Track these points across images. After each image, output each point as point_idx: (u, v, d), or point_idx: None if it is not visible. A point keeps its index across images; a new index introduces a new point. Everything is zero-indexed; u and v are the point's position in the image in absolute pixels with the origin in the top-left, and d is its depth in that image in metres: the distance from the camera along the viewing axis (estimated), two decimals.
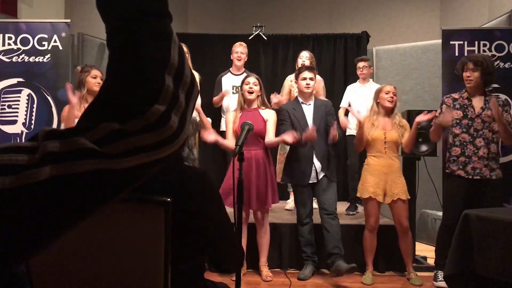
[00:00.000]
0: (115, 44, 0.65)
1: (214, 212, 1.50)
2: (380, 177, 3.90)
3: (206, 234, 1.47)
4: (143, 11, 0.64)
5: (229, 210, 3.91)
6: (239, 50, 5.08)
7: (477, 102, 3.73)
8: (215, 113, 5.38)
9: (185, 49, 4.96)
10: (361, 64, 5.12)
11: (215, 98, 5.13)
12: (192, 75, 0.69)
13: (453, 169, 3.77)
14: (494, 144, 3.68)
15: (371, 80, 5.21)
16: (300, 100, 4.14)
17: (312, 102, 4.11)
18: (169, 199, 1.31)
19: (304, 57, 5.07)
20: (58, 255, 1.33)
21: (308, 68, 4.14)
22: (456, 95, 3.82)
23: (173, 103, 0.63)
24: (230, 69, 5.22)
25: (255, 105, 3.95)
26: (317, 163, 4.00)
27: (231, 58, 5.16)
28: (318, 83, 5.18)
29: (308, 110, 4.08)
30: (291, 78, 5.21)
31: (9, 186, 0.55)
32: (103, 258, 1.36)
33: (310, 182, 4.00)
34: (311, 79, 4.06)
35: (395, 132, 3.89)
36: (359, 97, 5.07)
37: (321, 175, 3.99)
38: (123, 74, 0.63)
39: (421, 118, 3.79)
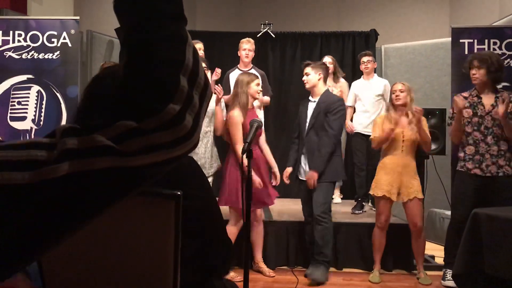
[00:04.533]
0: (131, 43, 0.66)
1: (205, 203, 1.47)
2: (395, 176, 3.88)
3: (196, 225, 1.42)
4: (160, 14, 0.66)
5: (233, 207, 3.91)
6: (247, 47, 5.07)
7: (487, 100, 3.71)
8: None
9: (200, 45, 4.92)
10: (365, 59, 5.16)
11: (226, 98, 5.12)
12: (206, 77, 0.70)
13: (469, 167, 3.74)
14: (504, 141, 3.66)
15: (375, 75, 5.23)
16: (310, 96, 4.15)
17: (317, 99, 4.04)
18: (179, 192, 1.31)
19: (327, 63, 5.13)
20: (69, 249, 1.33)
21: (307, 64, 4.10)
22: (466, 94, 3.80)
23: (188, 103, 0.65)
24: (238, 65, 5.22)
25: (251, 105, 3.95)
26: (303, 160, 4.01)
27: (238, 54, 5.16)
28: (343, 87, 5.27)
29: (311, 106, 4.05)
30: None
31: (28, 181, 0.56)
32: (112, 252, 1.36)
33: (301, 178, 4.02)
34: (306, 74, 4.05)
35: (411, 130, 3.86)
36: (364, 92, 5.13)
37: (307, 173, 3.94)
38: (139, 74, 0.64)
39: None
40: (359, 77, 5.40)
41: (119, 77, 0.63)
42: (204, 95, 0.69)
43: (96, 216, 0.64)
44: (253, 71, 5.07)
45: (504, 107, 3.52)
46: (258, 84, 3.89)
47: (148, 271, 1.35)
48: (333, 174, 3.90)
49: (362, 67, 5.20)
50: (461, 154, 3.82)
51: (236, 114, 3.88)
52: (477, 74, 3.68)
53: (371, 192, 4.06)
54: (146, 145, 0.61)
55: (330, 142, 3.84)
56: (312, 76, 4.00)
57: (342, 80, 5.38)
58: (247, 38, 5.19)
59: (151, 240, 1.35)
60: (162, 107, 0.62)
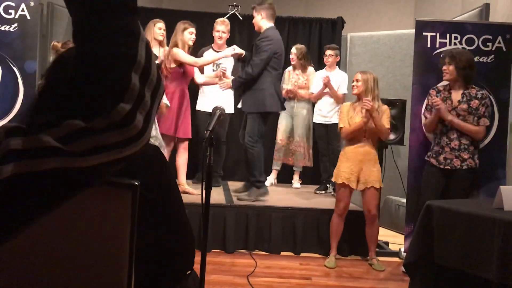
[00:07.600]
0: (81, 38, 0.63)
1: (163, 194, 1.41)
2: (355, 164, 3.97)
3: (151, 217, 1.35)
4: (111, 7, 0.63)
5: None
6: (221, 29, 5.08)
7: (456, 96, 3.83)
8: (194, 89, 5.35)
9: (161, 25, 4.94)
10: (328, 52, 5.41)
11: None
12: (159, 74, 0.68)
13: (431, 157, 3.87)
14: (467, 136, 3.77)
15: (337, 67, 5.49)
16: None
17: None
18: (136, 183, 1.28)
19: (293, 54, 5.43)
20: (21, 239, 1.30)
21: (252, 7, 4.54)
22: (441, 87, 3.94)
23: (139, 102, 0.63)
24: (212, 45, 5.20)
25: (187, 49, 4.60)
26: None
27: (212, 35, 5.15)
28: (309, 75, 5.36)
29: None
30: (289, 69, 5.52)
31: None
32: (65, 243, 1.33)
33: None
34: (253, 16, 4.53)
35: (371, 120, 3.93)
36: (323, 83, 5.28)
37: None
38: (88, 71, 0.61)
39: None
40: (324, 64, 5.51)
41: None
42: (156, 93, 0.67)
43: (45, 215, 0.62)
44: (228, 51, 4.99)
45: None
46: (191, 33, 4.50)
47: (102, 264, 1.33)
48: (254, 106, 4.38)
49: (324, 58, 5.45)
50: (432, 145, 3.95)
51: (176, 49, 4.45)
52: (447, 69, 3.82)
53: (333, 179, 4.15)
54: (94, 145, 0.60)
55: (245, 75, 4.36)
56: (255, 19, 4.42)
57: (310, 69, 5.48)
58: (221, 19, 5.20)
59: (106, 232, 1.33)
60: (112, 107, 0.60)
